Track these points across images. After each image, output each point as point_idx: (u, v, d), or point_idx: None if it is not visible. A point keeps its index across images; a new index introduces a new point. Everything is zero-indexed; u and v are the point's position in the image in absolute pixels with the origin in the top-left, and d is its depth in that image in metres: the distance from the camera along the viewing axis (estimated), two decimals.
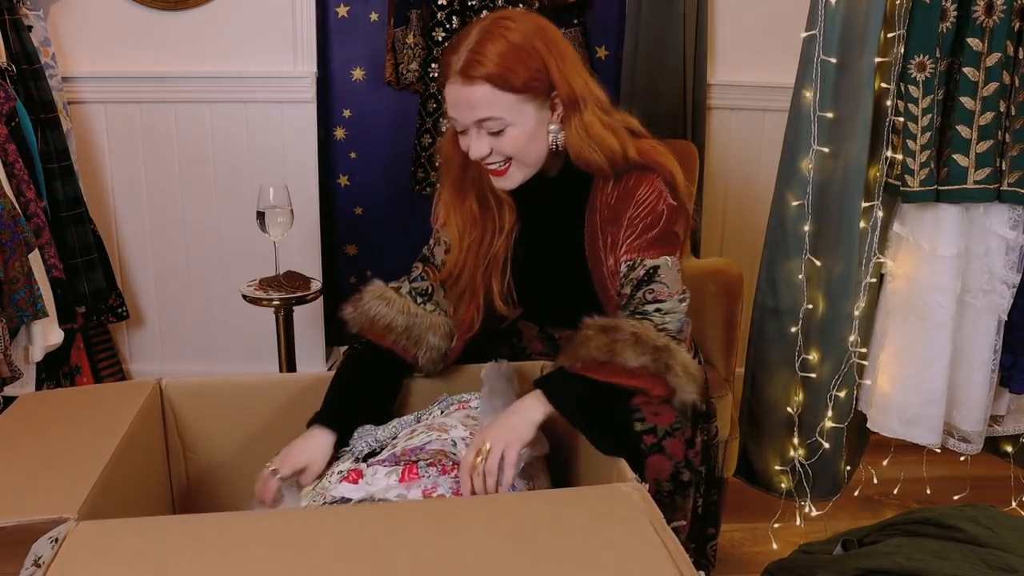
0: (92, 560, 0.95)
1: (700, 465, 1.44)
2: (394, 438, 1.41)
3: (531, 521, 1.02)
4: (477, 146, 1.37)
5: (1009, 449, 2.07)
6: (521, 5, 2.47)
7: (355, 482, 1.26)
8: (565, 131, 1.39)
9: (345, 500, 1.24)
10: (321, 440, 1.38)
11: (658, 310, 1.36)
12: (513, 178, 1.41)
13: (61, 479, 1.15)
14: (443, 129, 2.52)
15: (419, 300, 1.50)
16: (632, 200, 1.41)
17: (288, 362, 2.24)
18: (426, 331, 1.47)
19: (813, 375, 1.89)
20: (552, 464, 1.42)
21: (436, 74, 2.52)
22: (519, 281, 1.54)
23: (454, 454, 1.30)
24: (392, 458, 1.30)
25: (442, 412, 1.44)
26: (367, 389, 1.47)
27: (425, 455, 1.29)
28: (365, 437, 1.41)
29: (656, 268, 1.38)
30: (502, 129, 1.35)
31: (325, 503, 1.25)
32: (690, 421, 1.32)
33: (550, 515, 1.03)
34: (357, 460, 1.36)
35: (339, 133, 2.80)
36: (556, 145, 1.40)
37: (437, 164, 2.53)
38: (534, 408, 1.29)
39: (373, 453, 1.38)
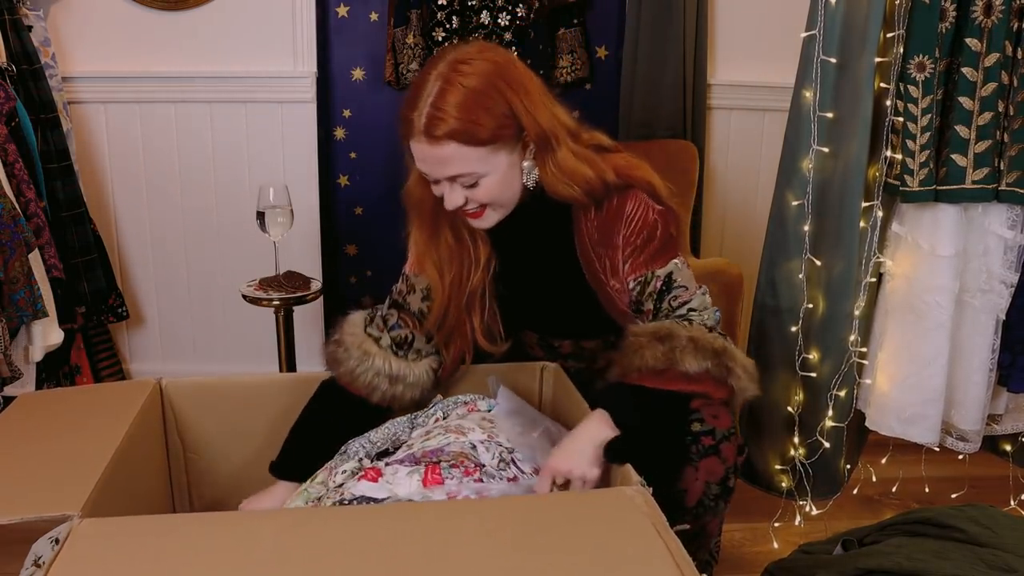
0: (96, 557, 0.95)
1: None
2: (392, 439, 1.40)
3: (535, 524, 1.01)
4: (451, 198, 1.33)
5: (1008, 448, 2.07)
6: (521, 6, 2.47)
7: (375, 480, 1.24)
8: (539, 169, 1.34)
9: (366, 499, 1.22)
10: (284, 497, 1.38)
11: (692, 310, 1.35)
12: (489, 219, 1.38)
13: (63, 477, 1.15)
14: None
15: (400, 352, 1.46)
16: (621, 219, 1.38)
17: (288, 362, 2.24)
18: (410, 388, 1.45)
19: (813, 374, 1.89)
20: None
21: None
22: (511, 310, 1.52)
23: (475, 456, 1.29)
24: (411, 458, 1.29)
25: (444, 415, 1.43)
26: (339, 437, 1.43)
27: (446, 456, 1.28)
28: (360, 441, 1.40)
29: (670, 275, 1.37)
30: (475, 182, 1.31)
31: (343, 500, 1.24)
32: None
33: (554, 518, 1.03)
34: (365, 459, 1.35)
35: (339, 133, 2.80)
36: (531, 181, 1.36)
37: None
38: (602, 431, 1.25)
39: (381, 454, 1.37)
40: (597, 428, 1.25)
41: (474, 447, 1.30)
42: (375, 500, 1.22)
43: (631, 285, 1.39)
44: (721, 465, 1.27)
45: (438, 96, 1.25)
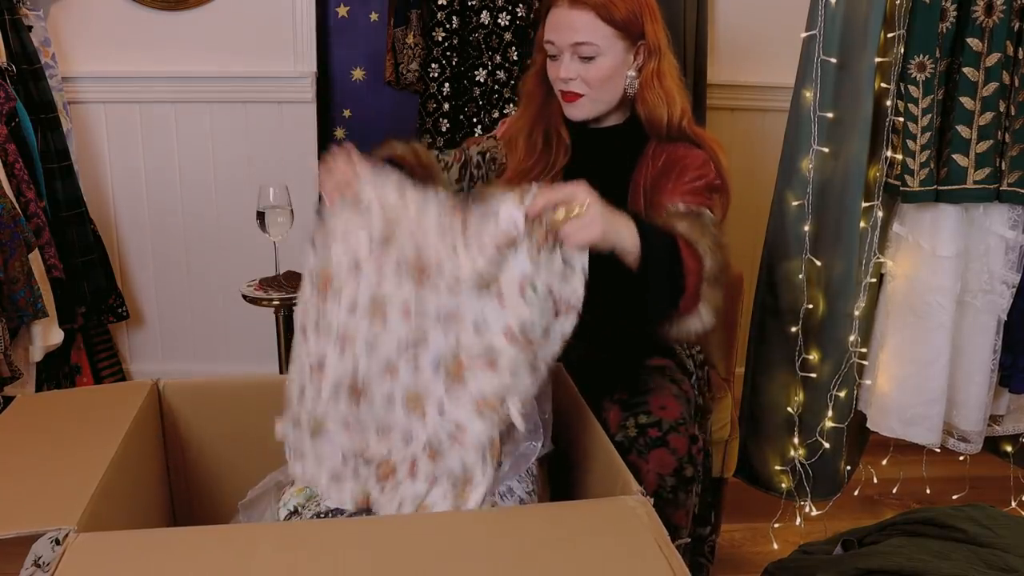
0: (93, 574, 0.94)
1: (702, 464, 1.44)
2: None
3: (534, 536, 1.00)
4: (566, 68, 1.46)
5: (1009, 449, 2.07)
6: (521, 6, 2.47)
7: None
8: (641, 77, 1.48)
9: (339, 512, 1.22)
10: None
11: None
12: (583, 109, 1.49)
13: (59, 487, 1.13)
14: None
15: (441, 165, 1.58)
16: (682, 162, 1.47)
17: (288, 362, 2.24)
18: (436, 180, 1.51)
19: (813, 375, 1.89)
20: (554, 470, 1.40)
21: (436, 74, 2.52)
22: None
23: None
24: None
25: None
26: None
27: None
28: None
29: (702, 213, 1.38)
30: (593, 57, 1.44)
31: (320, 513, 1.24)
32: (694, 418, 1.33)
33: (554, 530, 1.01)
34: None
35: (339, 133, 2.80)
36: (631, 90, 1.48)
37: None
38: (629, 237, 1.19)
39: None
40: (628, 233, 1.20)
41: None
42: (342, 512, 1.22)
43: (668, 208, 1.40)
44: (671, 456, 1.29)
45: None
